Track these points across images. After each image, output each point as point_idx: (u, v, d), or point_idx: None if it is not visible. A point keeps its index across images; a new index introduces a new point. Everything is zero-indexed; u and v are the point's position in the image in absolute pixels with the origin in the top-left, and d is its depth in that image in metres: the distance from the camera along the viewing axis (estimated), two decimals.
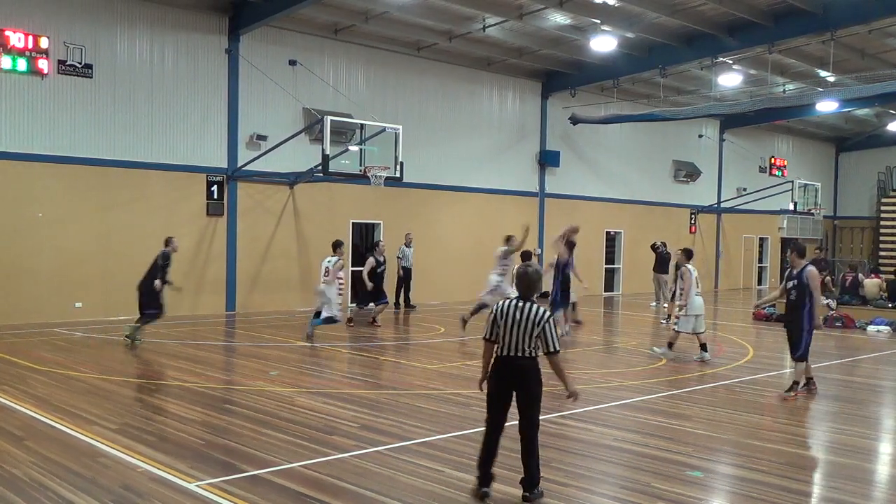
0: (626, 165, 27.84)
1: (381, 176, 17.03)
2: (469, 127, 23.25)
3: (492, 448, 5.89)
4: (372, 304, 16.42)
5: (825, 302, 19.25)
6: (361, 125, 18.10)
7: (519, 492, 5.84)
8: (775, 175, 33.22)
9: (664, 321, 17.74)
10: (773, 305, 18.73)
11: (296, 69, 19.32)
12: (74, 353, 12.36)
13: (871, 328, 17.56)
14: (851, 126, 34.56)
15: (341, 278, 14.53)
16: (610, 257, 27.85)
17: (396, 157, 17.26)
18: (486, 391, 6.04)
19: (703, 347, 12.57)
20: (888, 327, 17.42)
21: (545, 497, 5.86)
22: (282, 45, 19.28)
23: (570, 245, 14.97)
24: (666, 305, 17.81)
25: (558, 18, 19.74)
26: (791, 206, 28.68)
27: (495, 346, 5.95)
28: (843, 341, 16.07)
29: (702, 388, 10.47)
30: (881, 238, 35.31)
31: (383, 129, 17.63)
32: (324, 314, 13.95)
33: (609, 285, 27.85)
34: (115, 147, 16.97)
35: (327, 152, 16.34)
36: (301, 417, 8.34)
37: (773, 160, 33.91)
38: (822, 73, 23.78)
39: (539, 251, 17.78)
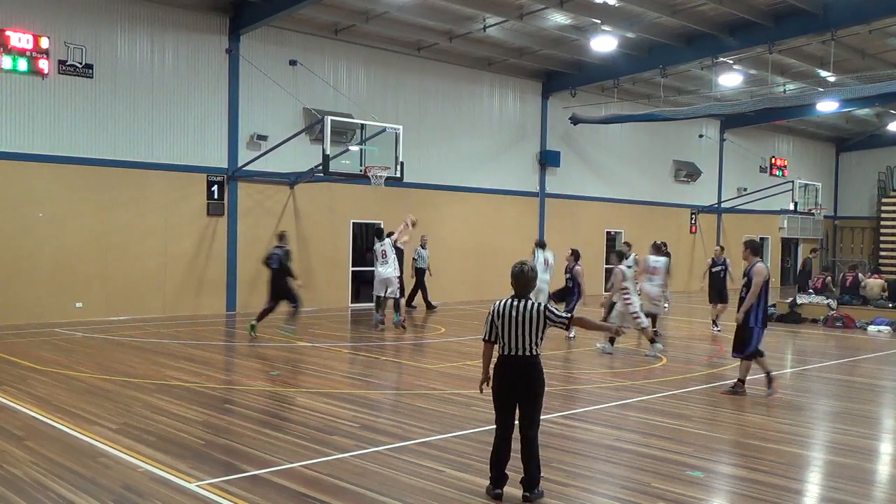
0: (626, 165, 27.84)
1: (381, 176, 17.03)
2: (469, 127, 23.26)
3: (504, 449, 5.88)
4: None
5: (826, 302, 19.28)
6: (362, 125, 18.11)
7: (519, 492, 5.84)
8: (776, 175, 33.21)
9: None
10: (774, 305, 18.74)
11: (296, 69, 19.33)
12: (75, 353, 12.37)
13: (871, 328, 17.56)
14: (852, 126, 34.55)
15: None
16: (610, 257, 27.79)
17: (397, 157, 17.26)
18: (485, 393, 6.05)
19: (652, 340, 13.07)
20: (888, 327, 17.42)
21: (545, 497, 5.86)
22: (282, 45, 19.29)
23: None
24: (667, 306, 17.81)
25: (559, 18, 19.75)
26: (791, 206, 28.68)
27: (495, 347, 5.95)
28: (844, 341, 16.07)
29: (702, 388, 10.47)
30: (881, 238, 35.29)
31: (384, 129, 17.64)
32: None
33: (609, 285, 27.79)
34: (115, 147, 16.98)
35: (328, 152, 16.35)
36: (301, 417, 8.34)
37: (773, 160, 33.90)
38: (823, 73, 23.78)
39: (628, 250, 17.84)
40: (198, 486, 6.04)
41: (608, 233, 27.52)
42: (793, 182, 28.83)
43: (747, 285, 9.97)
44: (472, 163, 23.30)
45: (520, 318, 5.81)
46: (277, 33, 19.15)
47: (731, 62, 22.84)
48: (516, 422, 5.91)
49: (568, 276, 15.10)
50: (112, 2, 16.87)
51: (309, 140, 19.18)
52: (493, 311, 5.95)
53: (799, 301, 19.50)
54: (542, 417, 5.97)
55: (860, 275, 20.22)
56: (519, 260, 6.12)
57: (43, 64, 15.90)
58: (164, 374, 10.73)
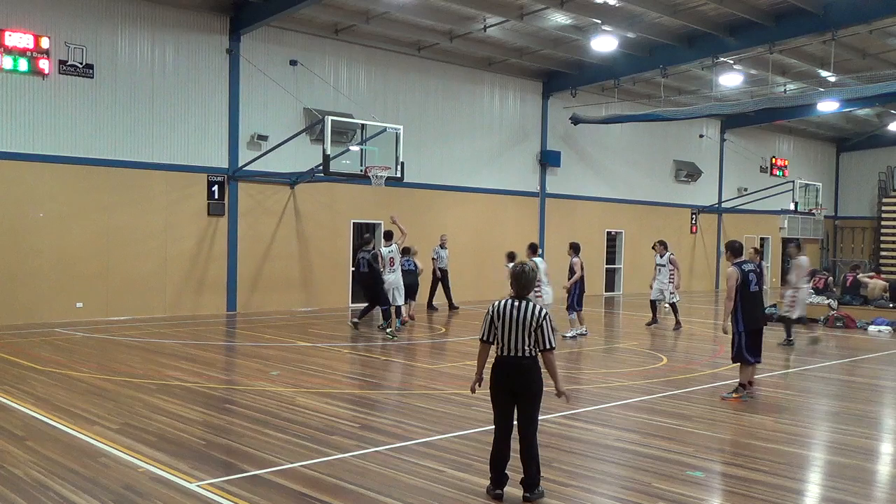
0: (626, 165, 27.84)
1: (381, 176, 17.02)
2: (470, 127, 23.26)
3: (504, 449, 5.89)
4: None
5: (826, 302, 19.27)
6: (362, 125, 18.09)
7: (519, 492, 5.84)
8: (776, 175, 33.21)
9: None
10: (774, 305, 18.74)
11: (296, 69, 19.34)
12: (75, 353, 12.37)
13: (872, 328, 17.56)
14: (852, 126, 34.55)
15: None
16: (611, 257, 27.85)
17: (397, 157, 17.26)
18: (478, 392, 6.06)
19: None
20: (889, 327, 17.42)
21: (545, 497, 5.86)
22: (282, 45, 19.30)
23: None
24: (668, 306, 17.85)
25: (559, 18, 19.75)
26: (792, 206, 28.69)
27: (492, 347, 5.95)
28: (844, 341, 16.07)
29: (702, 388, 10.47)
30: (882, 238, 35.29)
31: (384, 129, 17.64)
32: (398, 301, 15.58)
33: (610, 285, 27.85)
34: (115, 147, 16.98)
35: (328, 152, 16.35)
36: (301, 417, 8.34)
37: (773, 160, 33.90)
38: (823, 73, 23.77)
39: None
40: (198, 485, 6.04)
41: (608, 233, 27.52)
42: (793, 182, 28.85)
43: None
44: (472, 163, 23.30)
45: (519, 319, 5.80)
46: (278, 33, 19.15)
47: (731, 62, 22.83)
48: (515, 422, 5.92)
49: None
50: (113, 2, 16.87)
51: (309, 140, 19.18)
52: (493, 312, 5.93)
53: None
54: (542, 417, 5.97)
55: (860, 274, 20.20)
56: (519, 260, 6.11)
57: (43, 64, 15.90)
58: (165, 374, 10.73)
